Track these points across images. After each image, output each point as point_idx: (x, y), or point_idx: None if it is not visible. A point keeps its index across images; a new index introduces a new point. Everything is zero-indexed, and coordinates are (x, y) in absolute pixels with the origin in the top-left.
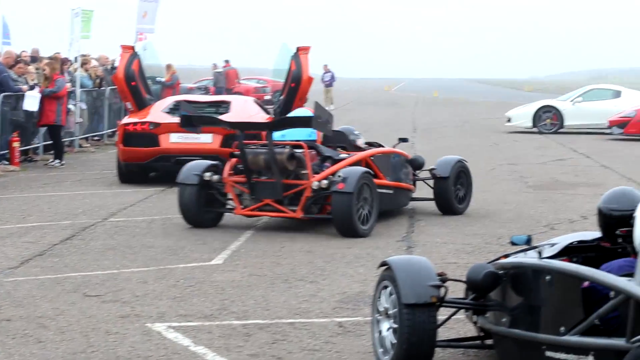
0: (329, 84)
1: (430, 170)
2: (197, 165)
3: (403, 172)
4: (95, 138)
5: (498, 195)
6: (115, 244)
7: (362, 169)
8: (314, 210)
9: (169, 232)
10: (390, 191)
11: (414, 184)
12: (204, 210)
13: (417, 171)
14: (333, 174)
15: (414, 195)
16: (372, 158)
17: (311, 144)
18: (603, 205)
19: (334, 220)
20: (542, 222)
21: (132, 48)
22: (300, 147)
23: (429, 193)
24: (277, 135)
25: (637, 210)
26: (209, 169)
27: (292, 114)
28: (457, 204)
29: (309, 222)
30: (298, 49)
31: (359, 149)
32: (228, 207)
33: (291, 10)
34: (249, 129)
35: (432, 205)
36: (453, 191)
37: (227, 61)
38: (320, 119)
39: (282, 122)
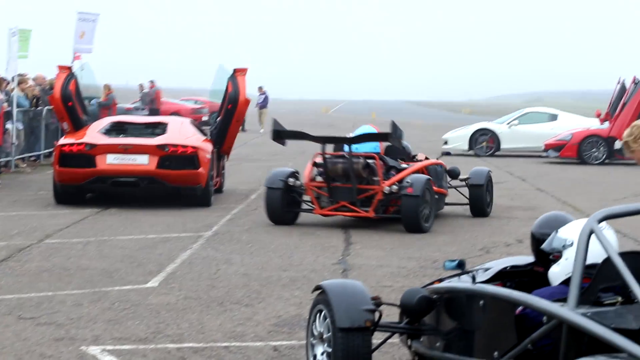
0: (262, 106)
1: (465, 179)
2: (281, 172)
3: (443, 180)
4: (32, 158)
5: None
6: (51, 266)
7: (425, 176)
8: (380, 211)
9: (105, 254)
10: (436, 196)
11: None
12: (285, 210)
13: (450, 180)
14: (400, 180)
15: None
16: (426, 168)
17: (380, 156)
18: (536, 230)
19: (402, 219)
20: (477, 246)
21: (69, 68)
22: (372, 157)
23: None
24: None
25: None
26: (291, 175)
27: (358, 131)
28: (487, 208)
29: (244, 244)
30: (235, 71)
31: (413, 160)
32: (307, 207)
33: (229, 29)
34: (331, 143)
35: (372, 225)
36: (486, 197)
37: (152, 81)
38: (395, 135)
39: (362, 137)
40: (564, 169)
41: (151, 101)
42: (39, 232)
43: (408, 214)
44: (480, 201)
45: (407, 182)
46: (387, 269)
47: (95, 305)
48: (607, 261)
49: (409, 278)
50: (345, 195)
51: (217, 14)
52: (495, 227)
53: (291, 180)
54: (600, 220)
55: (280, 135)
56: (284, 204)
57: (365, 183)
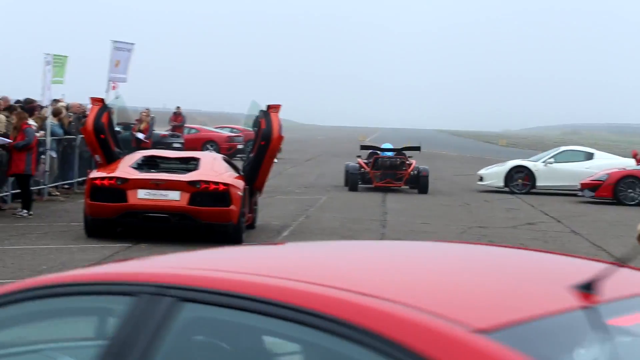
0: None
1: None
2: (355, 166)
3: None
4: (65, 186)
5: None
6: None
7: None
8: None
9: None
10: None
11: None
12: (359, 184)
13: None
14: (414, 168)
15: None
16: None
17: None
18: None
19: (420, 188)
20: None
21: (102, 100)
22: (403, 156)
23: None
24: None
25: None
26: (360, 167)
27: (386, 144)
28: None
29: None
30: (268, 107)
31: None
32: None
33: (268, 55)
34: (391, 151)
35: None
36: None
37: (178, 107)
38: (419, 148)
39: (405, 148)
40: (599, 209)
41: (174, 127)
42: (67, 268)
43: (424, 185)
44: (426, 185)
45: (422, 169)
46: None
47: None
48: None
49: None
50: (389, 176)
51: (251, 41)
52: None
53: (362, 169)
54: None
55: (364, 147)
56: (358, 181)
57: (399, 169)
